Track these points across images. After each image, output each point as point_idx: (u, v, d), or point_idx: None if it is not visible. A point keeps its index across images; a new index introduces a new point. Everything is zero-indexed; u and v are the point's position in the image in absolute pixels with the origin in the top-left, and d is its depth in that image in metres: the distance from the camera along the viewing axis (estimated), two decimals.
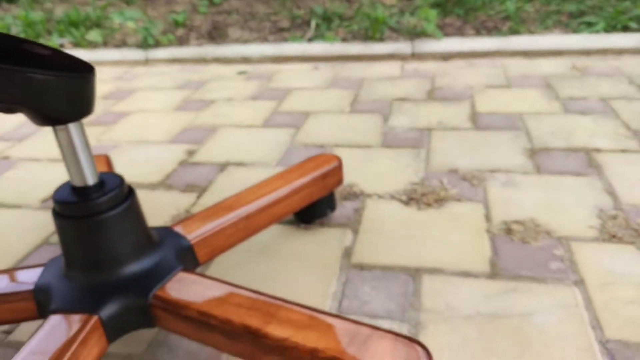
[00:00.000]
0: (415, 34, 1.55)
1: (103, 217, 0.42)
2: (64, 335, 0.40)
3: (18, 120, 1.19)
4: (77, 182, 0.42)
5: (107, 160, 0.74)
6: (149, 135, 1.03)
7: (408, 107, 1.07)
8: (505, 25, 1.60)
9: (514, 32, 1.51)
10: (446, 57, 1.40)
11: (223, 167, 0.87)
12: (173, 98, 1.25)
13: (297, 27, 1.78)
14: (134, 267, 0.44)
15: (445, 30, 1.57)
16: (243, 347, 0.40)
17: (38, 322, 0.55)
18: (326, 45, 1.51)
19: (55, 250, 0.67)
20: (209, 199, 0.76)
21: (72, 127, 0.40)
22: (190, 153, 0.93)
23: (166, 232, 0.50)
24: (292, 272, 0.60)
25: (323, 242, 0.64)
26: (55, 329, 0.40)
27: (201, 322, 0.41)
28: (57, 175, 0.89)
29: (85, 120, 1.15)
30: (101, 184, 0.43)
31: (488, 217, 0.67)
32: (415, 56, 1.41)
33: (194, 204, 0.76)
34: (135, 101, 1.26)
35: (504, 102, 1.05)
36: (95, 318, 0.41)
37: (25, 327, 0.55)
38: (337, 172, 0.65)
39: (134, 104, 1.23)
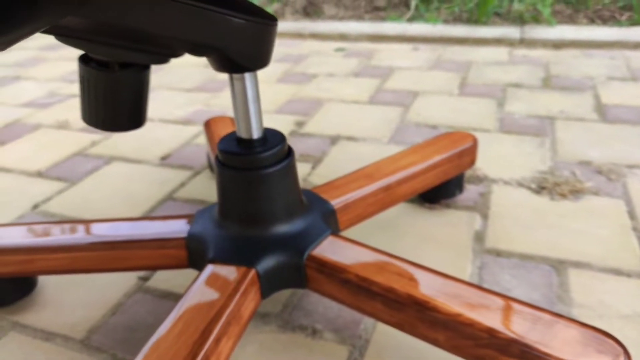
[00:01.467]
0: (523, 20, 1.47)
1: (267, 172, 0.41)
2: (225, 285, 0.40)
3: None
4: (243, 134, 0.42)
5: (233, 122, 0.74)
6: None
7: (523, 93, 1.01)
8: (624, 15, 1.48)
9: (634, 23, 1.39)
10: (558, 45, 1.31)
11: (334, 140, 0.85)
12: (274, 70, 1.26)
13: (393, 7, 1.73)
14: (289, 226, 0.43)
15: (554, 18, 1.48)
16: (405, 317, 0.38)
17: (176, 271, 0.56)
18: (427, 27, 1.46)
19: (180, 206, 0.69)
20: (325, 171, 0.75)
21: (248, 77, 0.40)
22: (299, 124, 0.92)
23: (311, 195, 0.49)
24: (421, 250, 0.57)
25: (451, 223, 0.62)
26: (216, 278, 0.40)
27: (360, 288, 0.40)
28: (170, 135, 0.91)
29: (192, 86, 1.17)
30: (265, 138, 0.43)
31: (632, 215, 0.61)
32: (524, 42, 1.34)
33: (309, 173, 0.75)
34: None
35: (631, 95, 0.97)
36: (253, 271, 0.41)
37: (161, 275, 0.56)
38: (472, 152, 0.62)
39: None
